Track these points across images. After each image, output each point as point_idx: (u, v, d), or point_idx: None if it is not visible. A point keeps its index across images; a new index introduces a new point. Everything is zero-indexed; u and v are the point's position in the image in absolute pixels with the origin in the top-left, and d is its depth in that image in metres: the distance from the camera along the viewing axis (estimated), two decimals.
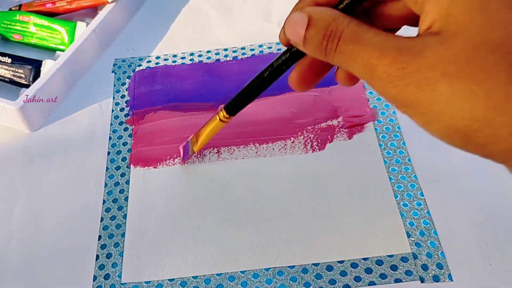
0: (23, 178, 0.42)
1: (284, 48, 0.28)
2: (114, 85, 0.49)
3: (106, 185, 0.41)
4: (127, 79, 0.49)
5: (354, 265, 0.35)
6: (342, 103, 0.44)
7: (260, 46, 0.50)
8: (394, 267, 0.35)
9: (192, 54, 0.50)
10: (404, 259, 0.35)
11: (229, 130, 0.43)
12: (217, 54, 0.50)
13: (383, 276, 0.34)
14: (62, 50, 0.50)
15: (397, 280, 0.34)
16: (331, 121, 0.43)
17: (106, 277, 0.36)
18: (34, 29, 0.51)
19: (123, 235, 0.38)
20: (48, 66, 0.47)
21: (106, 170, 0.42)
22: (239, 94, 0.32)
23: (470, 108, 0.19)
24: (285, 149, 0.42)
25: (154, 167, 0.42)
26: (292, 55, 0.27)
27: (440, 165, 0.40)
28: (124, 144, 0.44)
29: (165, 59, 0.50)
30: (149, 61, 0.50)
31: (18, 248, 0.38)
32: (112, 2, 0.51)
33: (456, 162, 0.40)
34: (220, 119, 0.35)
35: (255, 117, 0.44)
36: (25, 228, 0.39)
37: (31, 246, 0.38)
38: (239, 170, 0.41)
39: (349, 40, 0.22)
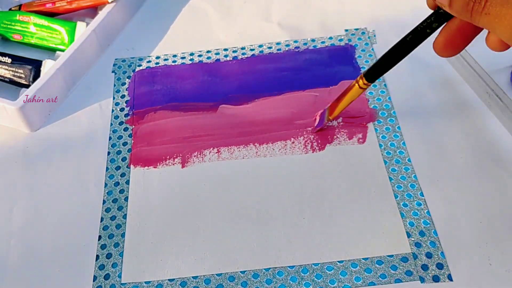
0: (23, 178, 0.42)
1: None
2: (114, 85, 0.49)
3: (106, 185, 0.41)
4: (127, 79, 0.49)
5: (354, 265, 0.35)
6: None
7: (260, 46, 0.50)
8: (394, 267, 0.35)
9: (192, 54, 0.50)
10: (404, 259, 0.35)
11: (229, 130, 0.43)
12: (217, 54, 0.50)
13: (383, 276, 0.34)
14: (62, 50, 0.50)
15: (397, 280, 0.34)
16: (331, 121, 0.43)
17: (106, 277, 0.36)
18: (34, 29, 0.51)
19: (123, 235, 0.38)
20: (48, 66, 0.47)
21: (106, 170, 0.42)
22: (380, 60, 0.32)
23: None
24: (285, 149, 0.42)
25: (154, 167, 0.42)
26: (437, 17, 0.27)
27: (440, 165, 0.40)
28: (124, 144, 0.44)
29: (165, 59, 0.50)
30: (149, 61, 0.50)
31: (18, 248, 0.38)
32: (112, 2, 0.51)
33: (456, 162, 0.40)
34: (360, 86, 0.35)
35: (255, 117, 0.44)
36: (25, 228, 0.39)
37: (31, 246, 0.38)
38: (239, 170, 0.41)
39: (497, 1, 0.22)
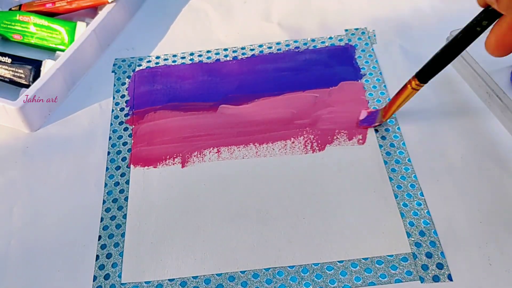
0: (23, 178, 0.42)
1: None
2: (114, 85, 0.49)
3: (106, 185, 0.41)
4: (127, 79, 0.49)
5: (354, 265, 0.35)
6: (342, 104, 0.44)
7: (260, 46, 0.50)
8: (394, 267, 0.35)
9: (192, 54, 0.50)
10: (404, 259, 0.35)
11: (229, 130, 0.43)
12: (217, 54, 0.50)
13: (383, 276, 0.34)
14: (62, 50, 0.50)
15: (397, 280, 0.34)
16: (331, 123, 0.43)
17: (106, 277, 0.36)
18: (34, 29, 0.51)
19: (123, 235, 0.38)
20: (48, 66, 0.47)
21: (106, 170, 0.42)
22: (432, 60, 0.32)
23: None
24: (285, 149, 0.42)
25: (154, 167, 0.42)
26: (487, 15, 0.27)
27: (440, 165, 0.40)
28: (124, 144, 0.44)
29: (165, 59, 0.50)
30: (149, 61, 0.50)
31: (18, 248, 0.38)
32: (112, 2, 0.51)
33: (456, 162, 0.40)
34: (412, 88, 0.35)
35: (255, 117, 0.44)
36: (25, 228, 0.39)
37: (31, 246, 0.38)
38: (239, 170, 0.41)
39: None
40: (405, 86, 0.37)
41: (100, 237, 0.38)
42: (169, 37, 0.53)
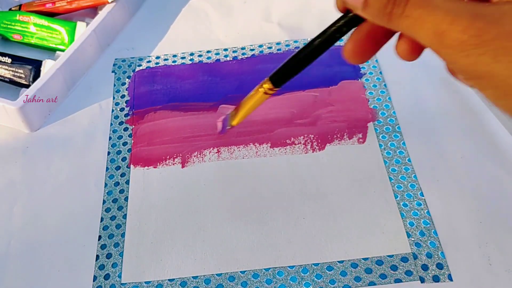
0: (23, 178, 0.42)
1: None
2: (114, 85, 0.49)
3: (106, 185, 0.41)
4: (127, 79, 0.49)
5: (354, 265, 0.35)
6: (342, 104, 0.44)
7: (260, 46, 0.50)
8: (394, 267, 0.35)
9: (192, 54, 0.50)
10: (404, 259, 0.35)
11: (229, 130, 0.43)
12: (217, 54, 0.50)
13: (383, 276, 0.34)
14: (62, 50, 0.50)
15: (397, 280, 0.34)
16: (331, 122, 0.43)
17: (106, 277, 0.36)
18: (34, 29, 0.51)
19: (123, 235, 0.38)
20: (48, 66, 0.47)
21: (106, 170, 0.42)
22: (286, 63, 0.30)
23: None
24: (285, 149, 0.42)
25: (154, 167, 0.42)
26: (348, 21, 0.25)
27: (440, 165, 0.40)
28: (124, 144, 0.44)
29: (165, 59, 0.50)
30: (149, 61, 0.50)
31: (18, 248, 0.38)
32: (112, 2, 0.51)
33: (456, 162, 0.40)
34: (265, 92, 0.32)
35: (255, 117, 0.44)
36: (25, 228, 0.39)
37: (31, 246, 0.38)
38: (239, 170, 0.41)
39: (418, 4, 0.20)
40: (256, 90, 0.32)
41: (100, 237, 0.38)
42: (169, 37, 0.53)
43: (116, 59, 0.51)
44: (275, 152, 0.42)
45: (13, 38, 0.52)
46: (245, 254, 0.36)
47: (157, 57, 0.50)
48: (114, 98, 0.47)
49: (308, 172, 0.40)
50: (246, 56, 0.50)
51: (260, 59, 0.49)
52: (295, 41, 0.50)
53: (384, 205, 0.38)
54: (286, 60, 0.29)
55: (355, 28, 0.25)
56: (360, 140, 0.42)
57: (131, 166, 0.42)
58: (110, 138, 0.44)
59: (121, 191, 0.40)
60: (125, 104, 0.47)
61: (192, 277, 0.35)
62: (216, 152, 0.42)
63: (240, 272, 0.35)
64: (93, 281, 0.36)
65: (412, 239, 0.36)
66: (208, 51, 0.50)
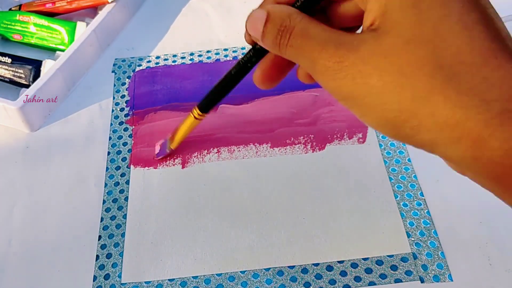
0: (23, 178, 0.42)
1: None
2: (114, 85, 0.49)
3: (106, 185, 0.41)
4: (127, 79, 0.49)
5: (354, 265, 0.35)
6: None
7: None
8: (394, 267, 0.35)
9: (192, 54, 0.50)
10: (404, 259, 0.35)
11: (229, 130, 0.43)
12: (217, 54, 0.50)
13: (383, 276, 0.34)
14: (62, 50, 0.50)
15: (397, 280, 0.34)
16: (331, 121, 0.43)
17: (106, 277, 0.36)
18: (34, 29, 0.51)
19: (123, 235, 0.38)
20: (48, 66, 0.47)
21: (106, 170, 0.42)
22: (211, 92, 0.34)
23: (398, 100, 0.20)
24: (285, 149, 0.42)
25: (154, 167, 0.42)
26: (256, 52, 0.28)
27: (440, 165, 0.39)
28: (124, 144, 0.44)
29: (165, 59, 0.50)
30: (149, 61, 0.50)
31: (18, 248, 0.38)
32: (112, 2, 0.51)
33: None
34: (195, 117, 0.36)
35: (255, 117, 0.44)
36: (25, 228, 0.39)
37: (31, 246, 0.38)
38: (239, 170, 0.41)
39: (299, 34, 0.23)
40: (189, 115, 0.37)
41: (100, 237, 0.38)
42: (169, 37, 0.53)
43: (116, 59, 0.51)
44: (275, 152, 0.42)
45: (13, 38, 0.52)
46: (245, 254, 0.36)
47: (157, 57, 0.50)
48: (114, 98, 0.47)
49: (308, 172, 0.40)
50: None
51: None
52: None
53: (384, 205, 0.38)
54: (210, 89, 0.33)
55: (263, 57, 0.28)
56: (360, 140, 0.42)
57: (131, 166, 0.42)
58: (110, 138, 0.44)
59: (121, 191, 0.40)
60: (125, 104, 0.47)
61: (192, 277, 0.35)
62: (216, 152, 0.42)
63: (240, 272, 0.35)
64: (93, 281, 0.36)
65: (412, 239, 0.36)
66: (208, 51, 0.50)
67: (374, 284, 0.34)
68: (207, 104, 0.35)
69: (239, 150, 0.42)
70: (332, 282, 0.34)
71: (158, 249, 0.37)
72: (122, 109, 0.46)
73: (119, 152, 0.43)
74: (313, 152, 0.41)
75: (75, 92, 0.48)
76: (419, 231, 0.36)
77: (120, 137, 0.44)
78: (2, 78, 0.48)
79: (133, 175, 0.41)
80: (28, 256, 0.38)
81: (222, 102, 0.45)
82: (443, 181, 0.39)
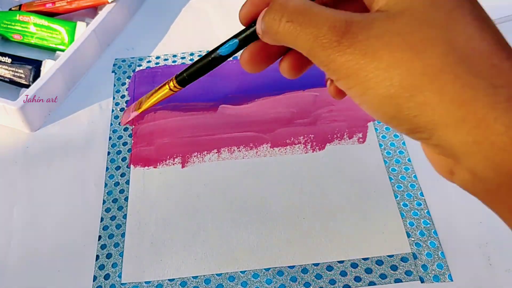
0: (23, 178, 0.42)
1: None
2: (114, 85, 0.49)
3: (106, 185, 0.41)
4: (127, 79, 0.49)
5: (354, 265, 0.35)
6: (342, 103, 0.44)
7: None
8: (394, 267, 0.35)
9: (192, 54, 0.50)
10: (404, 259, 0.35)
11: (229, 130, 0.43)
12: None
13: (383, 276, 0.34)
14: (62, 50, 0.50)
15: (397, 280, 0.34)
16: (332, 121, 0.43)
17: (106, 277, 0.36)
18: (34, 29, 0.51)
19: (123, 235, 0.38)
20: (48, 66, 0.47)
21: (106, 170, 0.42)
22: (192, 66, 0.32)
23: (406, 75, 0.20)
24: (285, 149, 0.42)
25: (154, 167, 0.42)
26: (249, 34, 0.28)
27: None
28: (124, 144, 0.44)
29: (165, 59, 0.50)
30: (149, 61, 0.50)
31: (18, 248, 0.38)
32: (112, 2, 0.51)
33: None
34: (171, 89, 0.35)
35: (255, 117, 0.44)
36: (25, 228, 0.39)
37: (31, 246, 0.38)
38: (239, 170, 0.41)
39: (300, 11, 0.23)
40: (164, 85, 0.36)
41: (100, 237, 0.38)
42: (169, 37, 0.53)
43: (116, 59, 0.51)
44: (275, 152, 0.42)
45: (13, 38, 0.52)
46: (245, 254, 0.36)
47: (157, 57, 0.50)
48: (114, 98, 0.47)
49: (308, 172, 0.40)
50: None
51: None
52: None
53: (384, 205, 0.38)
54: (193, 63, 0.32)
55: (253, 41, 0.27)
56: (360, 139, 0.42)
57: (131, 166, 0.42)
58: (110, 138, 0.44)
59: (121, 191, 0.40)
60: (125, 104, 0.47)
61: (192, 277, 0.35)
62: (216, 152, 0.42)
63: (240, 272, 0.35)
64: (93, 281, 0.36)
65: (412, 239, 0.36)
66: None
67: (374, 284, 0.34)
68: (187, 81, 0.34)
69: (239, 150, 0.42)
70: (332, 282, 0.34)
71: (158, 249, 0.37)
72: (122, 109, 0.46)
73: (119, 152, 0.43)
74: (313, 152, 0.41)
75: (75, 92, 0.48)
76: (419, 231, 0.36)
77: (120, 137, 0.44)
78: (2, 78, 0.48)
79: (133, 175, 0.41)
80: (28, 256, 0.38)
81: (222, 103, 0.46)
82: (443, 181, 0.38)
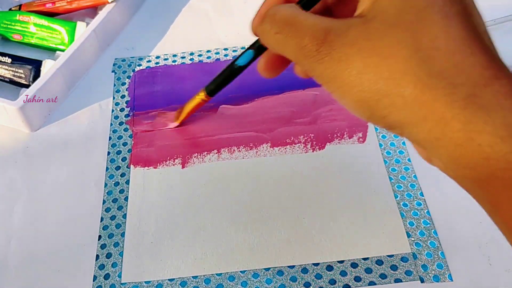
0: (23, 178, 0.42)
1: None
2: (114, 85, 0.49)
3: (106, 185, 0.41)
4: (127, 79, 0.49)
5: (354, 265, 0.35)
6: None
7: None
8: (394, 267, 0.35)
9: (192, 54, 0.50)
10: (404, 259, 0.35)
11: (229, 130, 0.43)
12: (217, 54, 0.50)
13: (383, 276, 0.34)
14: (62, 50, 0.50)
15: (397, 280, 0.34)
16: (332, 121, 0.43)
17: (106, 277, 0.36)
18: (34, 29, 0.51)
19: (123, 235, 0.38)
20: (48, 66, 0.47)
21: (106, 170, 0.42)
22: (217, 79, 0.37)
23: (374, 80, 0.21)
24: (285, 148, 0.42)
25: (154, 167, 0.42)
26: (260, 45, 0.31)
27: None
28: (124, 144, 0.44)
29: (165, 59, 0.50)
30: (149, 61, 0.50)
31: (18, 248, 0.38)
32: (112, 2, 0.51)
33: None
34: (202, 99, 0.39)
35: (255, 117, 0.44)
36: (25, 228, 0.39)
37: (31, 246, 0.38)
38: (239, 170, 0.41)
39: (287, 22, 0.24)
40: (195, 97, 0.40)
41: (100, 237, 0.38)
42: (169, 37, 0.53)
43: (116, 59, 0.51)
44: (275, 152, 0.42)
45: (13, 38, 0.52)
46: (245, 254, 0.36)
47: (157, 57, 0.50)
48: (114, 98, 0.47)
49: (308, 172, 0.40)
50: None
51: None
52: None
53: (384, 205, 0.38)
54: (218, 74, 0.37)
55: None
56: (360, 139, 0.42)
57: (131, 166, 0.42)
58: (110, 138, 0.44)
59: (121, 191, 0.40)
60: (125, 104, 0.47)
61: (192, 277, 0.35)
62: (216, 153, 0.42)
63: (240, 272, 0.35)
64: (93, 281, 0.36)
65: (412, 239, 0.36)
66: (208, 51, 0.50)
67: (374, 284, 0.34)
68: (214, 90, 0.38)
69: (239, 151, 0.42)
70: (332, 282, 0.34)
71: (158, 249, 0.37)
72: (122, 109, 0.46)
73: (119, 152, 0.43)
74: (313, 151, 0.41)
75: (75, 92, 0.48)
76: (419, 231, 0.36)
77: (120, 137, 0.44)
78: (2, 78, 0.48)
79: (133, 175, 0.41)
80: (28, 256, 0.38)
81: (222, 103, 0.46)
82: (443, 181, 0.39)
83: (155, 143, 0.43)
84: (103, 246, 0.38)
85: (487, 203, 0.23)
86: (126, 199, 0.40)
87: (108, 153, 0.43)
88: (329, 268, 0.35)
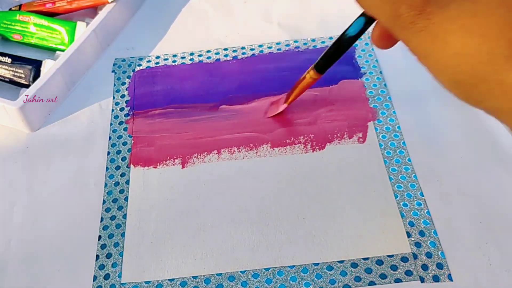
0: (23, 178, 0.42)
1: None
2: (114, 85, 0.49)
3: (106, 185, 0.41)
4: (127, 79, 0.49)
5: (354, 265, 0.35)
6: (342, 103, 0.44)
7: (260, 46, 0.50)
8: (394, 267, 0.35)
9: (192, 54, 0.50)
10: (404, 259, 0.35)
11: (229, 130, 0.43)
12: (217, 54, 0.50)
13: (383, 276, 0.34)
14: (62, 50, 0.50)
15: (397, 280, 0.34)
16: (331, 121, 0.43)
17: (106, 277, 0.36)
18: (34, 29, 0.51)
19: (123, 235, 0.38)
20: (48, 66, 0.47)
21: (106, 170, 0.42)
22: (326, 54, 0.35)
23: (472, 64, 0.20)
24: (285, 149, 0.42)
25: (154, 167, 0.42)
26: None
27: (440, 165, 0.40)
28: (124, 144, 0.44)
29: (165, 59, 0.50)
30: (149, 61, 0.50)
31: (18, 248, 0.38)
32: (112, 2, 0.51)
33: (456, 162, 0.40)
34: (312, 77, 0.38)
35: (255, 117, 0.44)
36: (25, 228, 0.39)
37: (31, 246, 0.38)
38: (239, 170, 0.41)
39: None
40: (304, 76, 0.39)
41: (100, 237, 0.38)
42: (169, 37, 0.53)
43: (116, 59, 0.51)
44: (275, 152, 0.42)
45: (13, 38, 0.52)
46: (245, 254, 0.36)
47: (157, 57, 0.50)
48: (114, 98, 0.47)
49: (308, 172, 0.40)
50: (246, 56, 0.50)
51: (260, 59, 0.49)
52: (295, 41, 0.50)
53: (384, 205, 0.38)
54: (324, 52, 0.36)
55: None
56: (360, 139, 0.42)
57: (131, 166, 0.42)
58: (110, 138, 0.44)
59: (121, 191, 0.40)
60: (125, 104, 0.47)
61: (192, 277, 0.35)
62: (216, 153, 0.42)
63: (240, 272, 0.35)
64: (93, 281, 0.36)
65: (412, 239, 0.36)
66: (208, 51, 0.50)
67: (374, 284, 0.34)
68: (324, 66, 0.37)
69: (239, 151, 0.42)
70: (332, 282, 0.34)
71: (158, 249, 0.37)
72: (122, 109, 0.46)
73: (119, 152, 0.43)
74: (313, 151, 0.41)
75: (75, 92, 0.48)
76: (419, 231, 0.36)
77: (120, 137, 0.44)
78: (2, 78, 0.48)
79: (133, 175, 0.41)
80: (28, 256, 0.38)
81: (222, 103, 0.46)
82: (443, 181, 0.39)
83: (155, 142, 0.43)
84: (103, 246, 0.38)
85: None
86: (126, 199, 0.40)
87: (108, 153, 0.43)
88: (329, 268, 0.35)
